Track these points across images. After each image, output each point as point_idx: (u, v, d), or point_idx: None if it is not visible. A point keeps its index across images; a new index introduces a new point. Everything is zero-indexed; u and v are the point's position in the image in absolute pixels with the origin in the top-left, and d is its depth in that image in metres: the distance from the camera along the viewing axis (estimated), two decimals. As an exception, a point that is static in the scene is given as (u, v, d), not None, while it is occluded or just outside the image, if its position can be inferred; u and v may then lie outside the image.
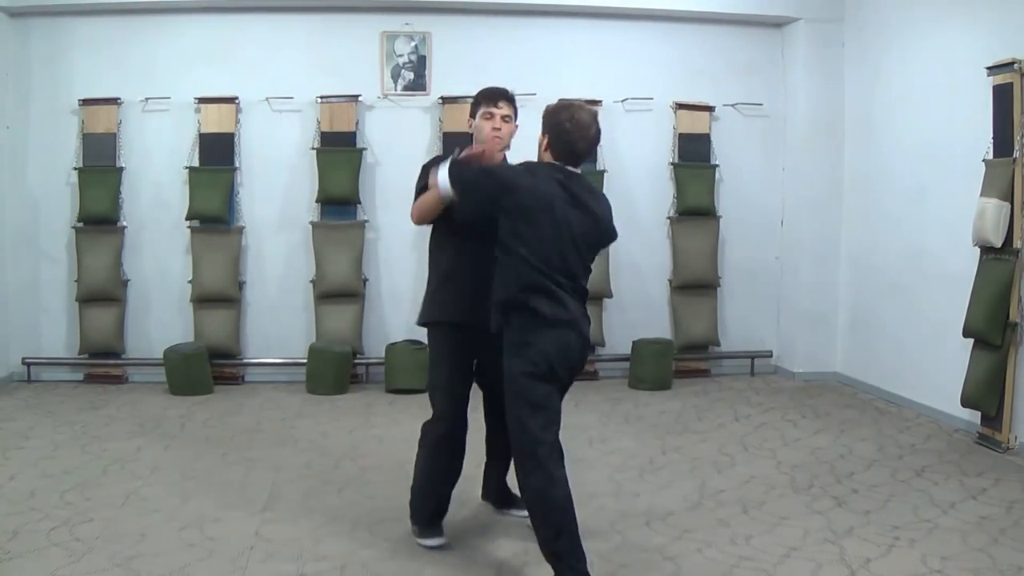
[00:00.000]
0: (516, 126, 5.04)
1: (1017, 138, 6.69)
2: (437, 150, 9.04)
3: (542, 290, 4.34)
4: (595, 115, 4.57)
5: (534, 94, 8.99)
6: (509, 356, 4.43)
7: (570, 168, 4.51)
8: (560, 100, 4.81)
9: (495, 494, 5.50)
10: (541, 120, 4.60)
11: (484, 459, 5.49)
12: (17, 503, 5.51)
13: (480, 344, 4.91)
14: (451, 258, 4.98)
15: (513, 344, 4.43)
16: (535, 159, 4.64)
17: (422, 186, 4.82)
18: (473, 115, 5.05)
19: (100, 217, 8.86)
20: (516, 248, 4.36)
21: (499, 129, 4.94)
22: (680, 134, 9.46)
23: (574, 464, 6.05)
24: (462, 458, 5.08)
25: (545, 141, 4.57)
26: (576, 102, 4.70)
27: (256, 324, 9.25)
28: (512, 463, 4.73)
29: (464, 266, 4.91)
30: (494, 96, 5.01)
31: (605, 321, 9.27)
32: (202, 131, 8.98)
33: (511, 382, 4.42)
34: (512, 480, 4.93)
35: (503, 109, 4.97)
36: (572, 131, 4.46)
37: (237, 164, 9.07)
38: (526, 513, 4.58)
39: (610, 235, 4.68)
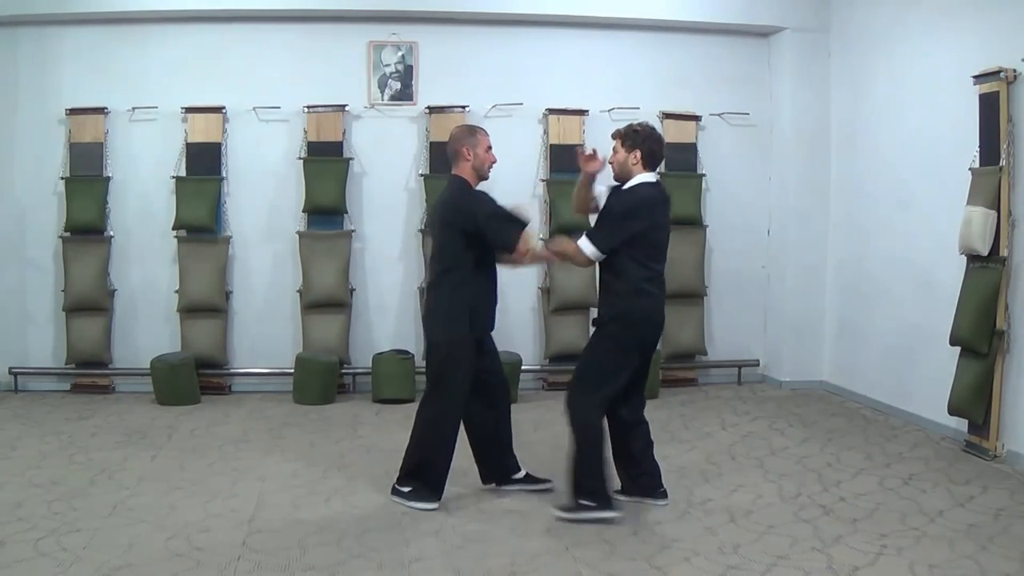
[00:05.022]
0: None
1: (1003, 146, 6.72)
2: (424, 160, 9.08)
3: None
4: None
5: (521, 103, 9.08)
6: None
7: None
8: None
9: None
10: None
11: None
12: (4, 513, 5.49)
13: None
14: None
15: None
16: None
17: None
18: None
19: (87, 226, 8.84)
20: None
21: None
22: (667, 143, 9.41)
23: (562, 472, 6.06)
24: None
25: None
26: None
27: (243, 334, 9.23)
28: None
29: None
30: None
31: (592, 330, 9.24)
32: (189, 141, 8.97)
33: None
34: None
35: (614, 142, 5.78)
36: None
37: (224, 174, 9.06)
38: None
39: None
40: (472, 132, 5.85)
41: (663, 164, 9.28)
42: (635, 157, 5.60)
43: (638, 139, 5.62)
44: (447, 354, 5.73)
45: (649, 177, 5.65)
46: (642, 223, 5.50)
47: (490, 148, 5.82)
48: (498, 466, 6.08)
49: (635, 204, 5.53)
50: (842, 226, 9.25)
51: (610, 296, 5.65)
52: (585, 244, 5.52)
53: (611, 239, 5.51)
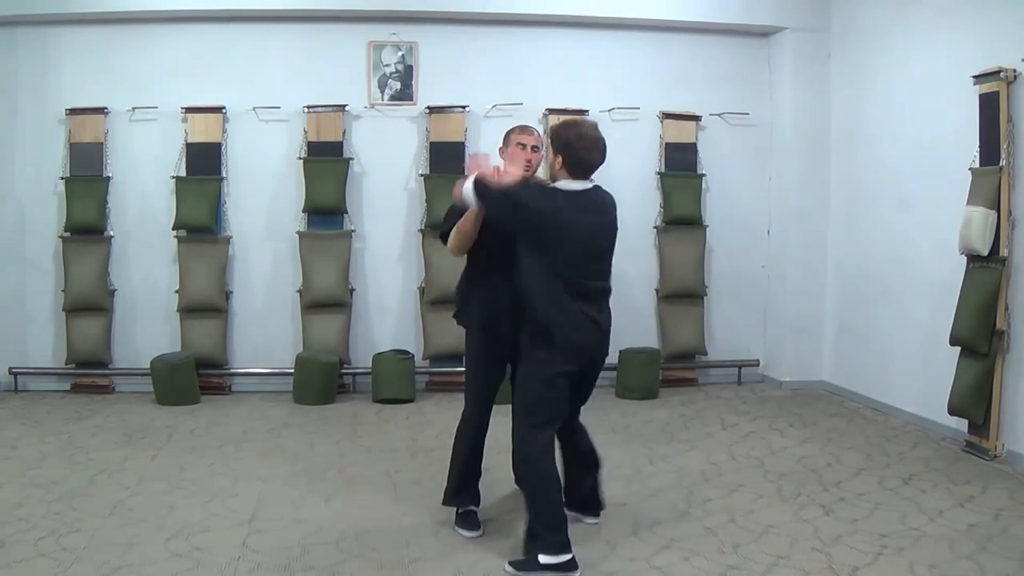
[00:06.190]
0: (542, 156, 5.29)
1: (1003, 146, 6.71)
2: (424, 160, 9.07)
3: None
4: (597, 126, 4.92)
5: (521, 103, 9.06)
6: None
7: (582, 184, 4.85)
8: (564, 120, 5.09)
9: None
10: (550, 141, 4.90)
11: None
12: (4, 514, 5.49)
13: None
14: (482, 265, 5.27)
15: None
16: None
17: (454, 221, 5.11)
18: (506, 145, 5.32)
19: (87, 227, 8.84)
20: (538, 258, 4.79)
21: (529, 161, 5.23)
22: (667, 143, 9.46)
23: (561, 473, 6.05)
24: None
25: (559, 161, 4.84)
26: (579, 119, 5.08)
27: (243, 334, 9.23)
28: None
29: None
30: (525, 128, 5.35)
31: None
32: (189, 141, 8.97)
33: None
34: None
35: (532, 139, 5.25)
36: (582, 147, 4.80)
37: (224, 174, 9.06)
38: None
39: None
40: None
41: (664, 164, 9.37)
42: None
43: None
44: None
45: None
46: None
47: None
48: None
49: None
50: (842, 226, 9.24)
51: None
52: (468, 183, 4.80)
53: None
